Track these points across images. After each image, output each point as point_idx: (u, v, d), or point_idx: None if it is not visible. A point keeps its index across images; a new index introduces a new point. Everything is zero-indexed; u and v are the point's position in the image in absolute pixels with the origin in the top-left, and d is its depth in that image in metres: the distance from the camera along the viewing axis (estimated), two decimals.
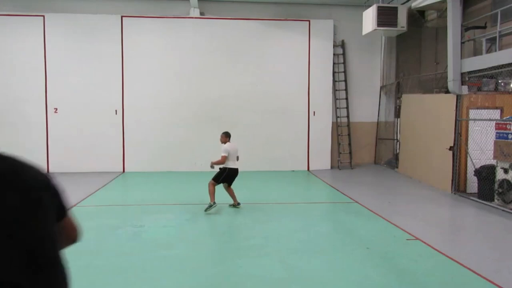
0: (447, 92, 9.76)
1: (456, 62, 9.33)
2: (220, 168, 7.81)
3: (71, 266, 5.02)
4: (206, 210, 7.47)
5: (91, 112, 12.09)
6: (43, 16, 11.89)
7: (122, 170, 12.34)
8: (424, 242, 6.07)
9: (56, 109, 12.06)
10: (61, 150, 12.10)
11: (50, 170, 12.09)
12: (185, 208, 7.85)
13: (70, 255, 5.15)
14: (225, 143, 7.86)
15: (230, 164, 7.79)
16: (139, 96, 12.23)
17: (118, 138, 12.29)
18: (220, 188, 7.82)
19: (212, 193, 7.61)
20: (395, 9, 10.89)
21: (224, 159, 7.67)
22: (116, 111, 12.11)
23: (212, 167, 7.73)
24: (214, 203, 7.56)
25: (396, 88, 13.31)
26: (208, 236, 6.38)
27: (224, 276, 4.93)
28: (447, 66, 9.74)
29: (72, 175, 11.68)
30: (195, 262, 5.41)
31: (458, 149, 9.42)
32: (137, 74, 12.23)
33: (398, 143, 12.81)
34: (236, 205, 7.99)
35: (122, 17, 12.11)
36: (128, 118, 12.25)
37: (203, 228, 6.82)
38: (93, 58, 12.09)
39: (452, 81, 9.34)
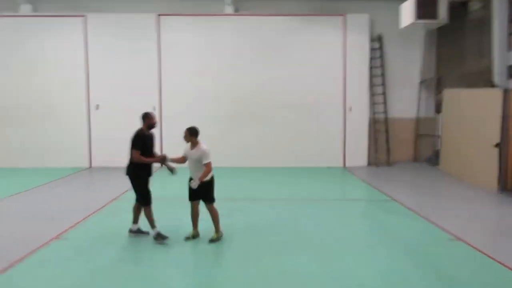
0: (493, 86, 9.31)
1: (502, 55, 8.90)
2: (203, 182, 5.78)
3: (110, 259, 5.15)
4: (213, 241, 5.88)
5: (130, 108, 12.37)
6: (85, 16, 12.32)
7: (160, 165, 12.59)
8: (468, 243, 5.83)
9: (98, 105, 12.48)
10: (102, 146, 12.51)
11: (92, 165, 12.55)
12: (221, 204, 7.91)
13: (110, 249, 5.29)
14: (194, 143, 5.89)
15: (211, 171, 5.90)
16: (175, 92, 12.45)
17: (156, 134, 12.52)
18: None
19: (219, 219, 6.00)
20: (435, 1, 10.50)
21: (210, 169, 5.80)
22: (154, 107, 12.38)
23: (195, 185, 5.71)
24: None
25: (437, 83, 12.86)
26: (244, 232, 6.40)
27: (259, 272, 4.94)
28: (492, 59, 9.30)
29: (113, 169, 12.06)
30: (231, 257, 5.46)
31: (505, 146, 8.97)
32: (173, 71, 12.45)
33: (439, 139, 12.38)
34: (195, 236, 6.02)
35: (159, 15, 12.35)
36: (165, 114, 12.49)
37: (238, 224, 6.85)
38: (132, 56, 12.40)
39: (499, 75, 8.91)
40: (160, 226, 6.03)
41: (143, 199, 6.01)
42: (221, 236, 6.02)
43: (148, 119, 6.07)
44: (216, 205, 6.07)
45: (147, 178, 6.08)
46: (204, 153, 5.80)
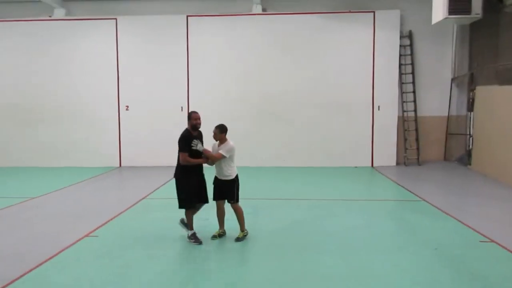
0: None
1: None
2: (223, 180, 5.94)
3: (139, 256, 5.26)
4: (239, 239, 5.98)
5: (159, 109, 12.68)
6: (116, 19, 12.65)
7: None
8: (500, 245, 5.65)
9: (128, 106, 12.80)
10: (132, 146, 12.83)
11: (122, 164, 12.89)
12: (247, 203, 7.96)
13: (139, 246, 5.40)
14: (222, 140, 5.92)
15: (236, 170, 6.03)
16: (203, 92, 12.60)
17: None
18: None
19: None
20: None
21: (220, 157, 5.79)
22: (182, 108, 12.58)
23: (202, 155, 5.83)
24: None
25: (469, 80, 12.46)
26: (270, 231, 6.42)
27: (284, 271, 4.95)
28: None
29: (142, 169, 12.35)
30: (256, 256, 5.49)
31: None
32: (201, 71, 12.61)
33: (471, 138, 11.99)
34: (222, 235, 6.16)
35: (187, 16, 12.53)
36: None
37: (264, 222, 6.88)
38: (161, 57, 12.65)
39: None
40: None
41: (185, 202, 5.80)
42: (247, 235, 6.07)
43: (190, 120, 5.83)
44: (242, 204, 6.11)
45: (196, 180, 5.85)
46: (225, 146, 5.84)
